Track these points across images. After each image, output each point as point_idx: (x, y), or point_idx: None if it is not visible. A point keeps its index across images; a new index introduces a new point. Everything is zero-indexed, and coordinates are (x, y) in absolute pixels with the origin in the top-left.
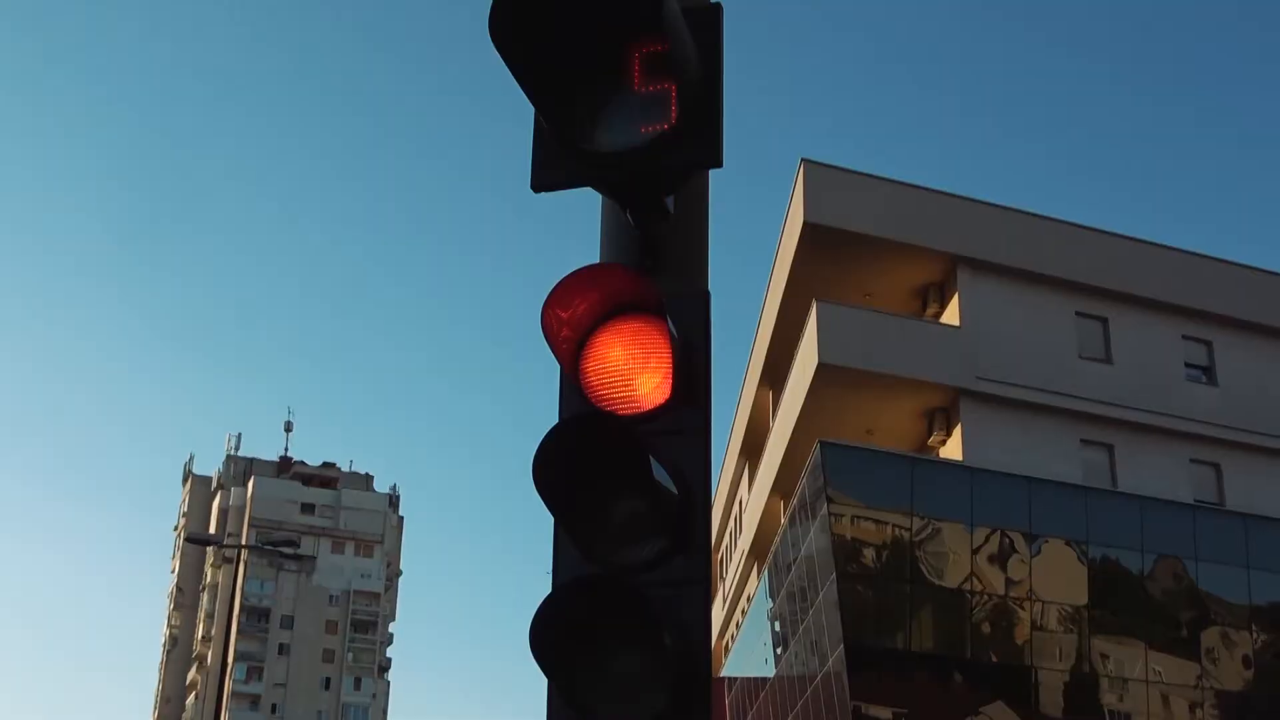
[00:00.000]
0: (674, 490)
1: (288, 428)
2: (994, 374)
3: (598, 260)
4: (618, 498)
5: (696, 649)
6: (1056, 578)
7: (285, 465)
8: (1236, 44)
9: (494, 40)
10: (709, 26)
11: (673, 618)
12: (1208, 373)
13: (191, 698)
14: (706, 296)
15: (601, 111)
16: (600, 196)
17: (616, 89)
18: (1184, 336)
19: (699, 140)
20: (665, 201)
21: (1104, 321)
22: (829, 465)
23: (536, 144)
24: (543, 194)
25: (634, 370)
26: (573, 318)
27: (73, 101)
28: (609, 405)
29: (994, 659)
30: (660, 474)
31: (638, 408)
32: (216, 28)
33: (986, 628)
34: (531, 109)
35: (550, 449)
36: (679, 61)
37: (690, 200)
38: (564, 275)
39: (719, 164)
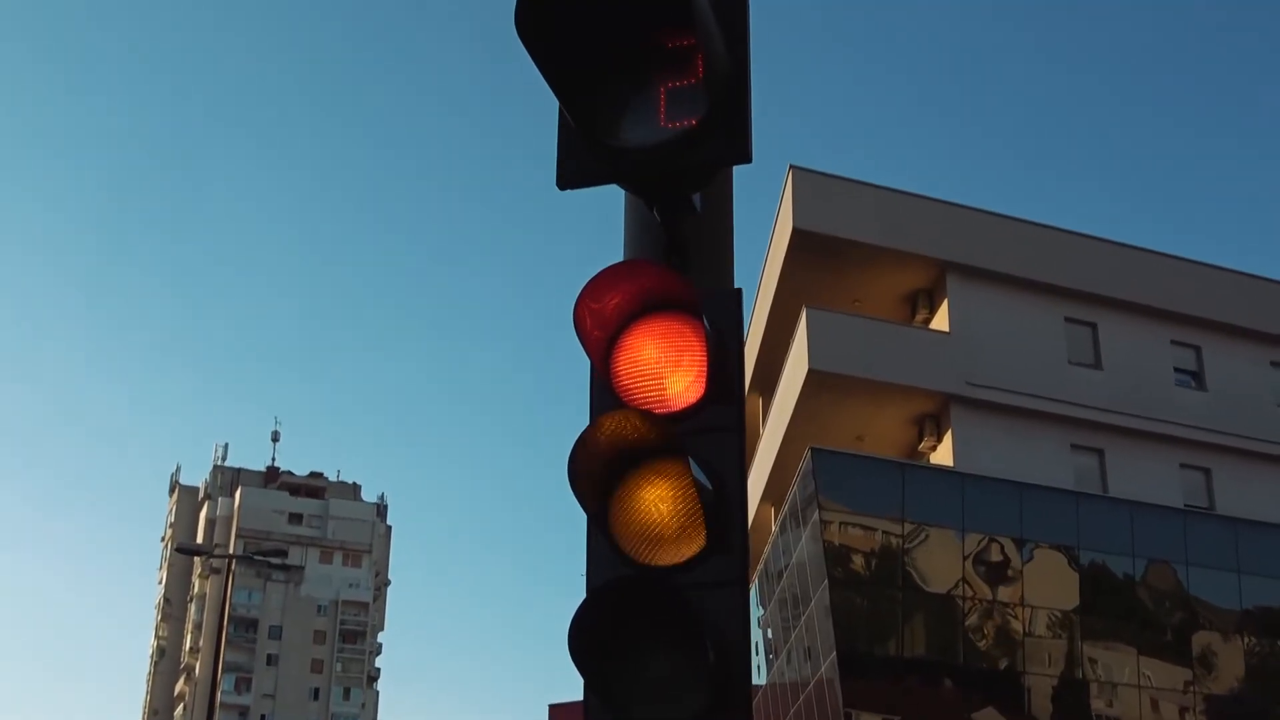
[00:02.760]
0: (712, 489)
1: (275, 438)
2: (984, 380)
3: (621, 259)
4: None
5: (734, 649)
6: (1047, 583)
7: (272, 475)
8: (1223, 49)
9: (520, 35)
10: (736, 20)
11: (710, 618)
12: (1197, 377)
13: (179, 709)
14: (738, 293)
15: (628, 107)
16: (623, 194)
17: (643, 84)
18: (1173, 341)
19: (728, 136)
20: (692, 198)
21: (1093, 327)
22: (820, 472)
23: (562, 141)
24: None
25: (666, 368)
26: (604, 314)
27: (60, 108)
28: (641, 403)
29: (985, 665)
30: (697, 473)
31: (669, 407)
32: (207, 34)
33: (977, 633)
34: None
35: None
36: (707, 56)
37: (714, 197)
38: (596, 271)
39: (748, 159)
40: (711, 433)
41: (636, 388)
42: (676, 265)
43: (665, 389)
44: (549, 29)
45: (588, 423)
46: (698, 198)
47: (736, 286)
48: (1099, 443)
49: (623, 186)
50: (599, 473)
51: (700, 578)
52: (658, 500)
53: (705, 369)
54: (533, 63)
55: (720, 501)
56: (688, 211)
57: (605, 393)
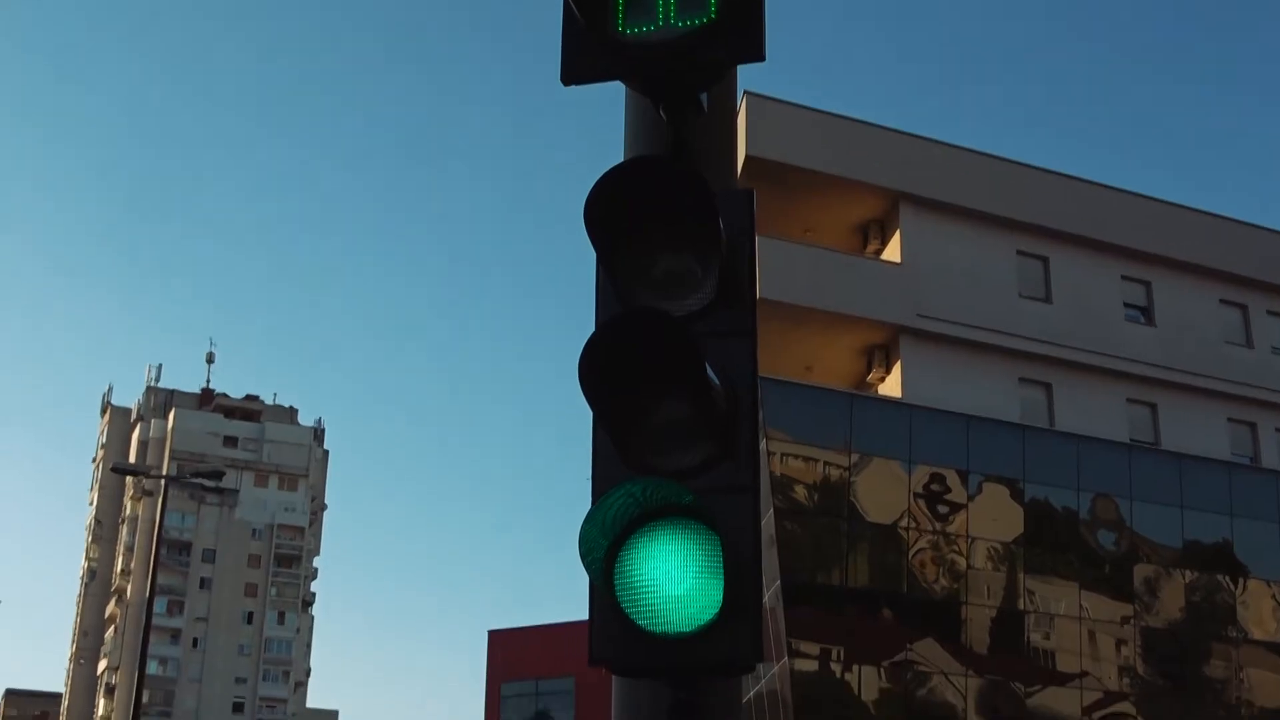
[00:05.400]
0: (723, 393)
1: (209, 359)
2: (934, 311)
3: (622, 160)
4: (666, 400)
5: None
6: (992, 515)
7: (207, 397)
8: None
9: None
10: None
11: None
12: (1146, 313)
13: (110, 631)
14: (751, 194)
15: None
16: (625, 92)
17: None
18: (1124, 277)
19: (741, 33)
20: (700, 97)
21: (1044, 260)
22: (767, 401)
23: (566, 36)
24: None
25: (679, 269)
26: (615, 213)
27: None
28: (652, 304)
29: (927, 596)
30: (710, 376)
31: (682, 308)
32: None
33: (921, 565)
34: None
35: (599, 347)
36: None
37: (719, 97)
38: (606, 169)
39: (762, 58)
40: (724, 337)
41: (648, 289)
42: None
43: (678, 290)
44: None
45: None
46: (705, 97)
47: (748, 188)
48: (1047, 376)
49: (627, 84)
50: (609, 374)
51: (711, 483)
52: (670, 403)
53: (720, 271)
54: None
55: (733, 405)
56: (696, 110)
57: (612, 294)
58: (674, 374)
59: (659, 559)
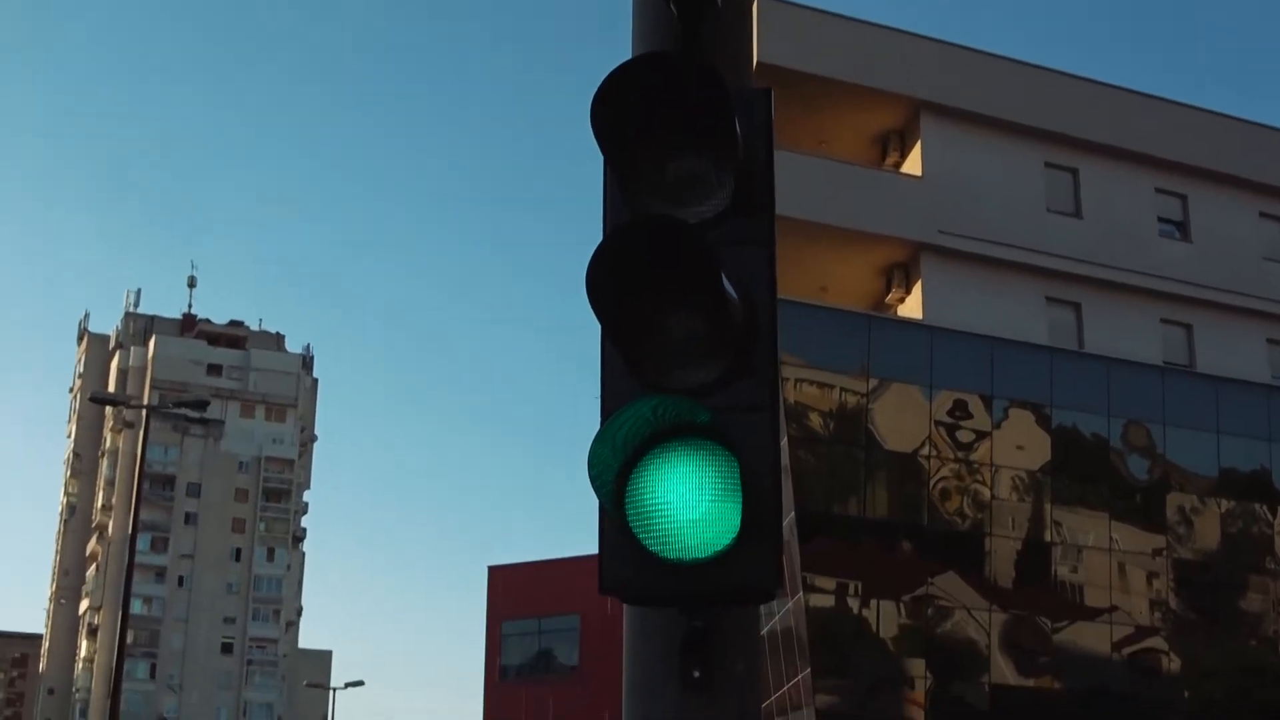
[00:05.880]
0: (740, 305)
1: (191, 283)
2: (957, 228)
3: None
4: (679, 312)
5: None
6: (1017, 443)
7: (189, 323)
8: None
9: None
10: None
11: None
12: (1181, 228)
13: (92, 569)
14: (768, 93)
15: None
16: None
17: None
18: (1157, 189)
19: None
20: None
21: (1074, 173)
22: (779, 324)
23: None
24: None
25: (694, 172)
26: (623, 114)
27: None
28: (664, 210)
29: (948, 528)
30: (725, 287)
31: (695, 215)
32: None
33: (942, 495)
34: None
35: (608, 257)
36: None
37: None
38: (614, 67)
39: None
40: (740, 245)
41: (659, 195)
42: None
43: (692, 195)
44: None
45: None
46: None
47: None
48: (1076, 295)
49: None
50: (619, 285)
51: (726, 401)
52: (683, 316)
53: (736, 176)
54: None
55: (750, 318)
56: (708, 4)
57: (621, 200)
58: (688, 285)
59: (673, 481)
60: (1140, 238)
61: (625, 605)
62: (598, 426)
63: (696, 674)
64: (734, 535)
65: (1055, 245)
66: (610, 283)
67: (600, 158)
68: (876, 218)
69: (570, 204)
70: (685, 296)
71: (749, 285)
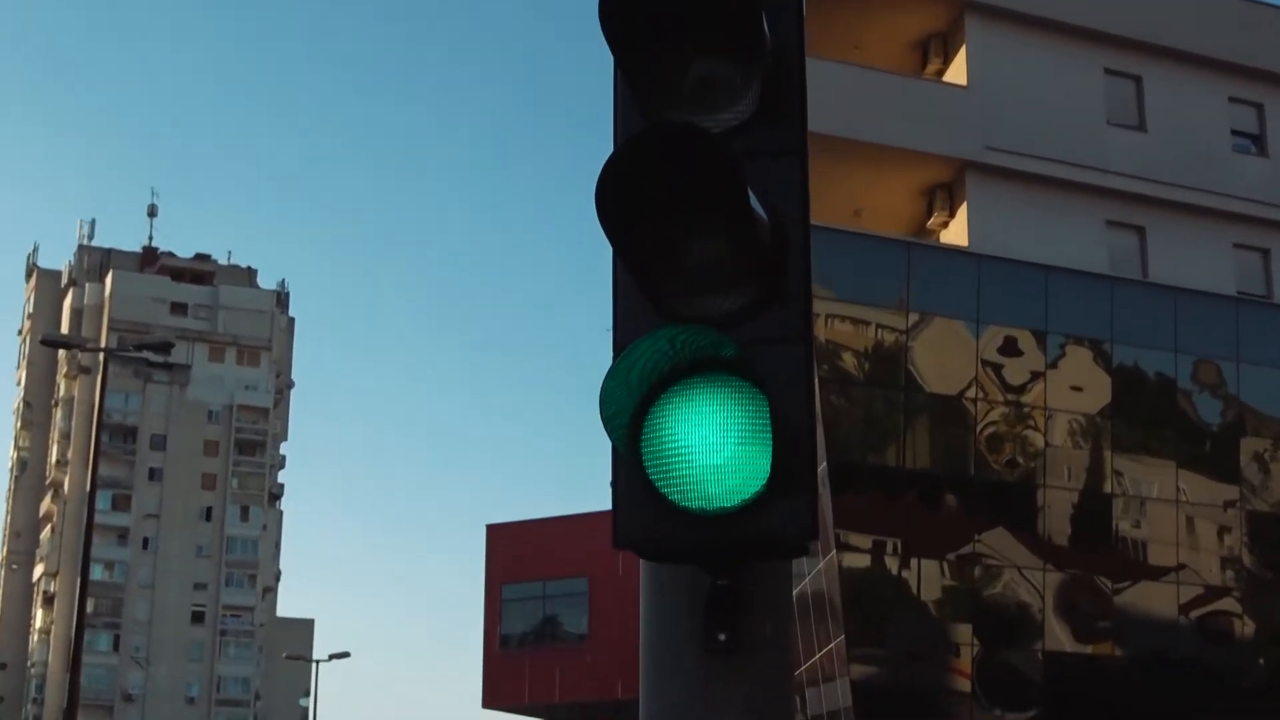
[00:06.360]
0: (768, 224)
1: (151, 212)
2: (1006, 143)
3: None
4: (701, 232)
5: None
6: (1074, 384)
7: (150, 257)
8: None
9: None
10: None
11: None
12: (1257, 142)
13: (46, 531)
14: None
15: None
16: None
17: None
18: (1231, 99)
19: None
20: None
21: (1137, 81)
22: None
23: None
24: None
25: (718, 74)
26: (636, 8)
27: None
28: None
29: (996, 479)
30: (752, 203)
31: (718, 123)
32: None
33: (990, 443)
34: None
35: (620, 171)
36: None
37: None
38: None
39: None
40: (769, 156)
41: (677, 102)
42: None
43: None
44: None
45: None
46: None
47: None
48: (1140, 219)
49: None
50: (633, 203)
51: (754, 333)
52: (705, 236)
53: (763, 79)
54: None
55: (780, 239)
56: None
57: (633, 109)
58: (710, 201)
59: (695, 422)
60: (1212, 153)
61: (641, 562)
62: (610, 363)
63: (721, 637)
64: (763, 482)
65: (1116, 162)
66: (622, 200)
67: (610, 61)
68: (916, 133)
69: (579, 113)
70: (707, 214)
71: (778, 201)
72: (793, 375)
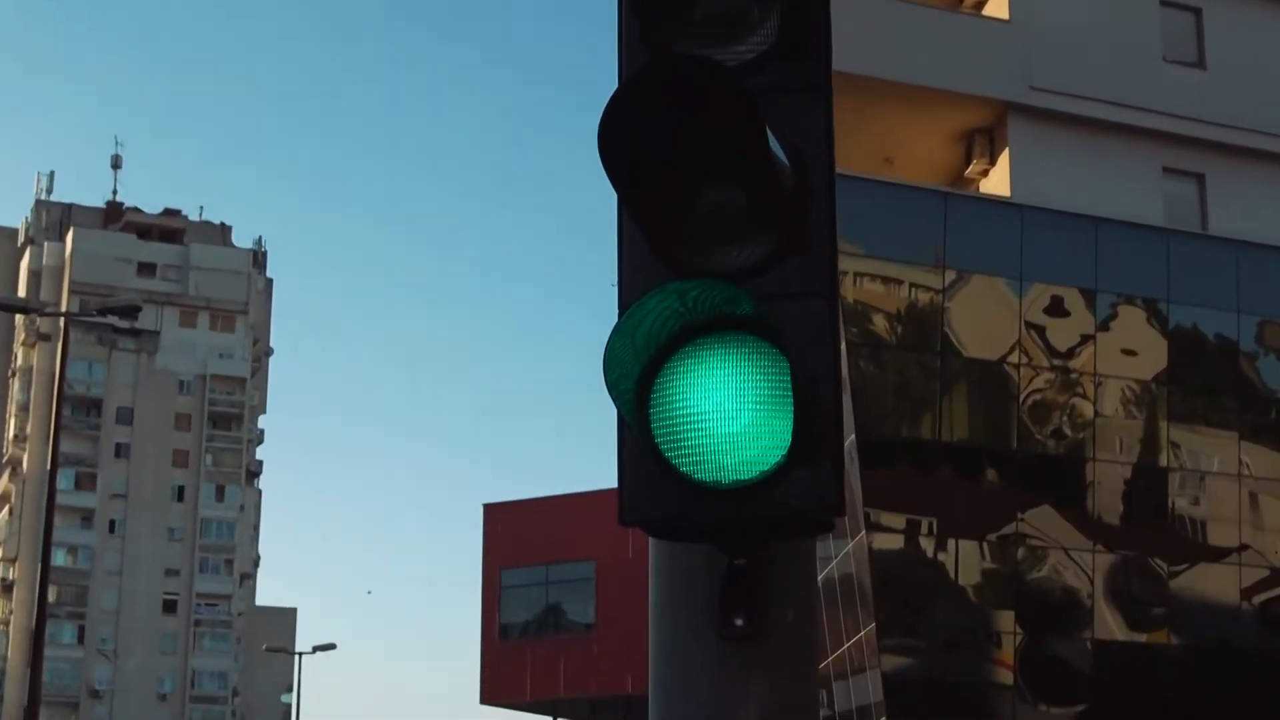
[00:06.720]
0: (789, 167)
1: (115, 164)
2: (1052, 84)
3: None
4: (714, 177)
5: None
6: (1126, 347)
7: (115, 213)
8: None
9: None
10: None
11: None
12: None
13: (4, 513)
14: None
15: None
16: None
17: None
18: None
19: None
20: None
21: (1197, 13)
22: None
23: None
24: None
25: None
26: None
27: None
28: (695, 50)
29: (1042, 451)
30: (771, 145)
31: (733, 57)
32: None
33: (1035, 412)
34: None
35: (625, 109)
36: None
37: None
38: None
39: None
40: (789, 93)
41: (687, 34)
42: None
43: (728, 32)
44: None
45: (612, 93)
46: None
47: None
48: (1199, 165)
49: None
50: (639, 144)
51: (773, 286)
52: (719, 181)
53: (782, 8)
54: None
55: (801, 184)
56: None
57: (639, 44)
58: (724, 142)
59: (708, 386)
60: (1277, 94)
61: (650, 542)
62: (615, 321)
63: (739, 622)
64: (784, 452)
65: (1173, 103)
66: (627, 142)
67: None
68: (953, 72)
69: (578, 51)
70: (721, 156)
71: (800, 142)
72: (816, 333)
